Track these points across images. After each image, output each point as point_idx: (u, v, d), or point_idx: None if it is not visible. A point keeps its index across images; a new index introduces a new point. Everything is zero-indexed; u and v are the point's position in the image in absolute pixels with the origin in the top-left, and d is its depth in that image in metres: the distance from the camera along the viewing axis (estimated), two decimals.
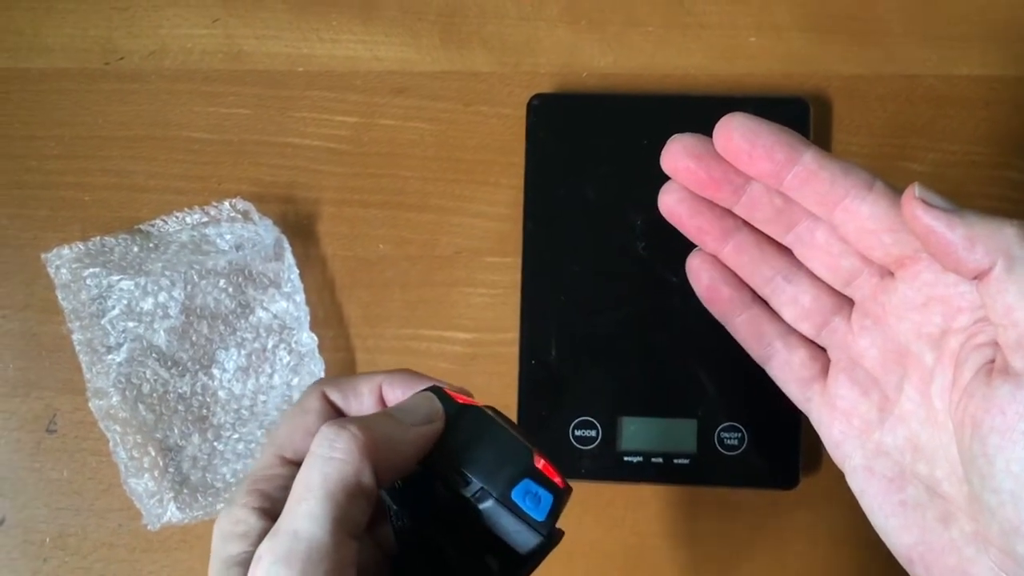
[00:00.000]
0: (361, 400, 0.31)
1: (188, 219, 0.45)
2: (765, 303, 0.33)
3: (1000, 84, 0.43)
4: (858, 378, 0.31)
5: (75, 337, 0.43)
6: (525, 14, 0.45)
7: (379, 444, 0.26)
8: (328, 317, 0.45)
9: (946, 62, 0.44)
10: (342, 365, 0.45)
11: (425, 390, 0.30)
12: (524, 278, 0.43)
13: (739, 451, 0.42)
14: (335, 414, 0.30)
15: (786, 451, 0.42)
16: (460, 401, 0.30)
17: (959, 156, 0.43)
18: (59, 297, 0.44)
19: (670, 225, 0.42)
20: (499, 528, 0.28)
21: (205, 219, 0.45)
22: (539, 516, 0.28)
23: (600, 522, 0.44)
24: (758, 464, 0.42)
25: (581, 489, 0.44)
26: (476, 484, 0.28)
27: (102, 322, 0.43)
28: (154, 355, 0.43)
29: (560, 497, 0.29)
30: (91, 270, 0.43)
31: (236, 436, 0.44)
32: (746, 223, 0.32)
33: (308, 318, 0.44)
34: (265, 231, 0.44)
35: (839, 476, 0.43)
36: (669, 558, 0.44)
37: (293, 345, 0.44)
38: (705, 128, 0.42)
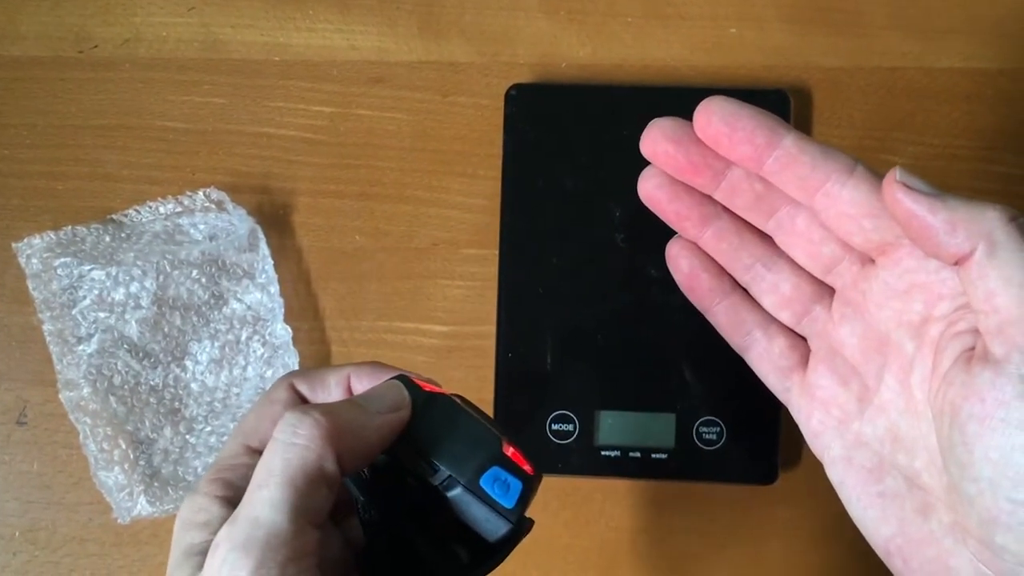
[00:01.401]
0: (328, 391, 0.30)
1: (161, 209, 0.44)
2: (745, 291, 0.32)
3: (982, 77, 0.43)
4: (838, 368, 0.30)
5: (46, 328, 0.43)
6: (504, 4, 0.45)
7: (343, 431, 0.26)
8: (303, 309, 0.44)
9: (928, 55, 0.43)
10: (317, 357, 0.44)
11: (392, 378, 0.29)
12: (501, 270, 0.43)
13: (718, 446, 0.42)
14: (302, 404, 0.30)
15: (765, 446, 0.42)
16: (427, 390, 0.29)
17: (940, 149, 0.43)
18: (30, 287, 0.43)
19: (649, 217, 0.41)
20: (468, 516, 0.27)
21: (179, 209, 0.44)
22: (508, 503, 0.27)
23: (577, 517, 0.43)
24: (737, 459, 0.42)
25: (558, 484, 0.43)
26: (444, 472, 0.27)
27: (73, 312, 0.43)
28: (125, 346, 0.43)
29: (529, 484, 0.28)
30: (62, 260, 0.43)
31: (208, 429, 0.43)
32: (726, 209, 0.31)
33: (282, 310, 0.43)
34: (239, 221, 0.43)
35: (818, 472, 0.43)
36: (646, 553, 0.43)
37: (267, 337, 0.43)
38: (684, 118, 0.42)
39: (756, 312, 0.32)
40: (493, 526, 0.27)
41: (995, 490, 0.25)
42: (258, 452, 0.28)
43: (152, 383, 0.43)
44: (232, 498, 0.27)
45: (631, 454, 0.42)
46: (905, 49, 0.44)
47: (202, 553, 0.25)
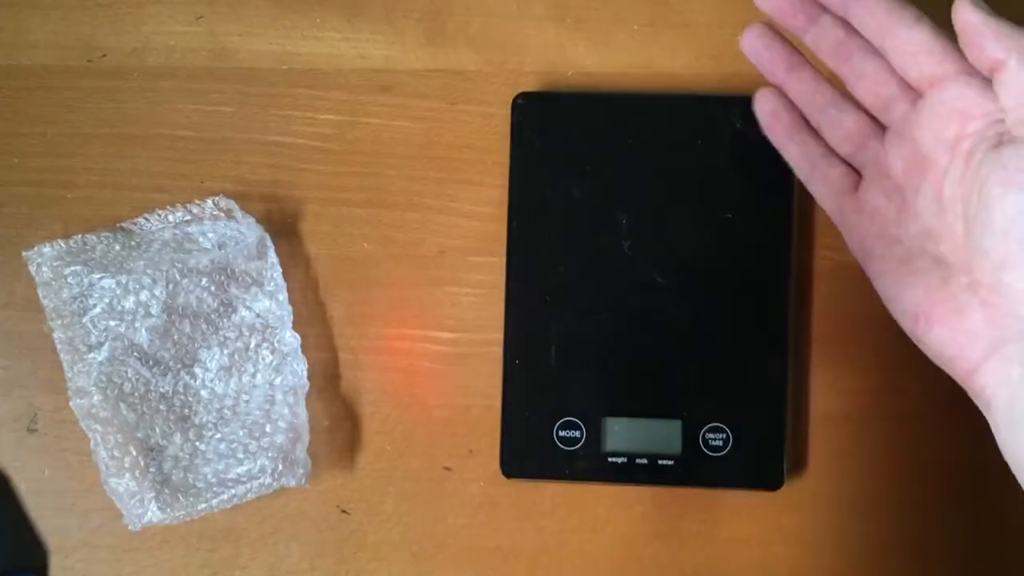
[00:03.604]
0: None
1: (171, 217, 0.44)
2: (815, 132, 0.40)
3: None
4: (885, 187, 0.38)
5: (56, 336, 0.43)
6: (511, 12, 0.45)
7: None
8: (311, 316, 0.44)
9: None
10: (325, 365, 0.44)
11: None
12: (509, 277, 0.43)
13: (724, 452, 0.42)
14: None
15: (771, 453, 0.42)
16: None
17: None
18: (40, 295, 0.43)
19: (656, 225, 0.42)
20: None
21: (188, 217, 0.44)
22: None
23: (585, 523, 0.44)
24: (743, 465, 0.42)
25: (565, 490, 0.44)
26: None
27: (83, 320, 0.43)
28: (136, 354, 0.43)
29: None
30: (72, 268, 0.43)
31: (218, 436, 0.43)
32: (808, 64, 0.39)
33: (291, 317, 0.44)
34: (248, 229, 0.43)
35: (824, 478, 0.43)
36: (653, 559, 0.43)
37: (276, 344, 0.44)
38: (691, 128, 0.42)
39: (821, 146, 0.40)
40: None
41: (1007, 236, 0.32)
42: None
43: (162, 390, 0.43)
44: None
45: (638, 460, 0.42)
46: None
47: None
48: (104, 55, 0.46)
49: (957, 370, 0.35)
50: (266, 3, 0.45)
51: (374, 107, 0.45)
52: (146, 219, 0.44)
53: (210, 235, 0.44)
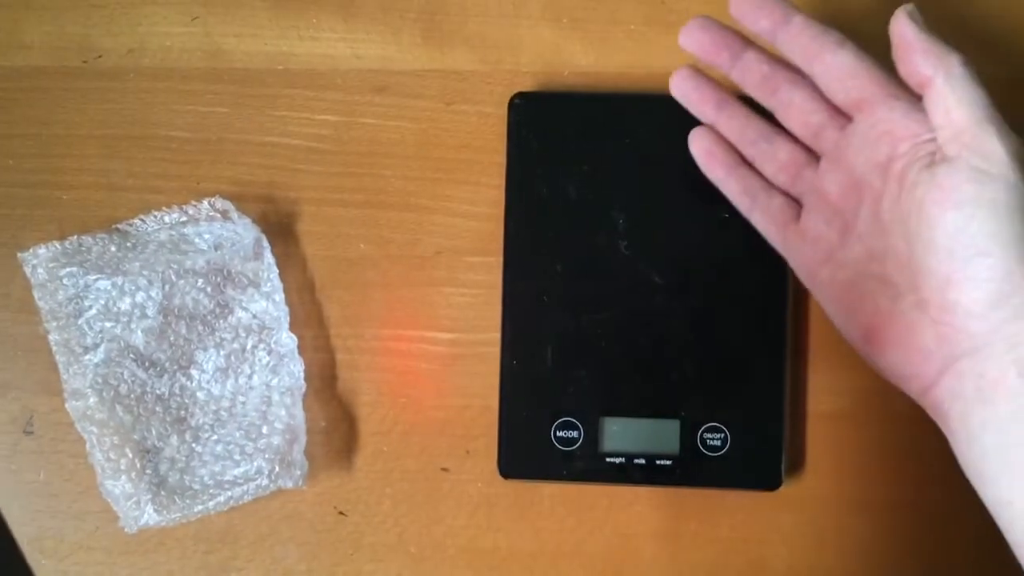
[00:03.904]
0: None
1: (167, 218, 0.44)
2: (751, 166, 0.40)
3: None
4: (824, 213, 0.38)
5: (52, 337, 0.43)
6: (507, 12, 0.45)
7: None
8: (308, 317, 0.44)
9: None
10: (322, 365, 0.44)
11: None
12: (506, 278, 0.43)
13: (722, 452, 0.42)
14: None
15: (769, 453, 0.42)
16: None
17: None
18: (36, 297, 0.43)
19: (653, 225, 0.42)
20: None
21: (184, 218, 0.44)
22: None
23: (583, 523, 0.44)
24: (741, 465, 0.42)
25: (563, 491, 0.44)
26: None
27: (79, 322, 0.43)
28: (131, 356, 0.43)
29: None
30: (68, 269, 0.43)
31: (215, 438, 0.43)
32: (736, 100, 0.40)
33: (288, 318, 0.43)
34: (244, 230, 0.43)
35: (822, 478, 0.43)
36: (652, 560, 0.43)
37: (272, 345, 0.44)
38: (688, 128, 0.42)
39: (759, 179, 0.40)
40: None
41: (950, 255, 0.33)
42: None
43: (158, 392, 0.43)
44: None
45: (636, 461, 0.42)
46: None
47: None
48: (99, 56, 0.46)
49: (912, 389, 0.36)
50: (262, 3, 0.45)
51: (370, 107, 0.45)
52: (142, 220, 0.44)
53: (206, 236, 0.44)
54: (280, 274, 0.44)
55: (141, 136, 0.45)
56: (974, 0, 0.44)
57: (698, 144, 0.41)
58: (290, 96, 0.45)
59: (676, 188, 0.43)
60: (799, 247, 0.39)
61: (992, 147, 0.32)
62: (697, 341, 0.42)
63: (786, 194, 0.40)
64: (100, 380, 0.42)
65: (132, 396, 0.43)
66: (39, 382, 0.44)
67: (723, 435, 0.42)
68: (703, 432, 0.42)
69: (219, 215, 0.44)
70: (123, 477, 0.42)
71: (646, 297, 0.42)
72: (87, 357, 0.43)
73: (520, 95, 0.43)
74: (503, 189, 0.43)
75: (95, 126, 0.45)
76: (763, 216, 0.40)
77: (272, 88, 0.45)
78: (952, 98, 0.33)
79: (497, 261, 0.43)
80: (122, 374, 0.43)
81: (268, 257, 0.44)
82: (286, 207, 0.45)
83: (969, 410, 0.33)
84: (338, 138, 0.45)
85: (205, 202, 0.44)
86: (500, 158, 0.43)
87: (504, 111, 0.43)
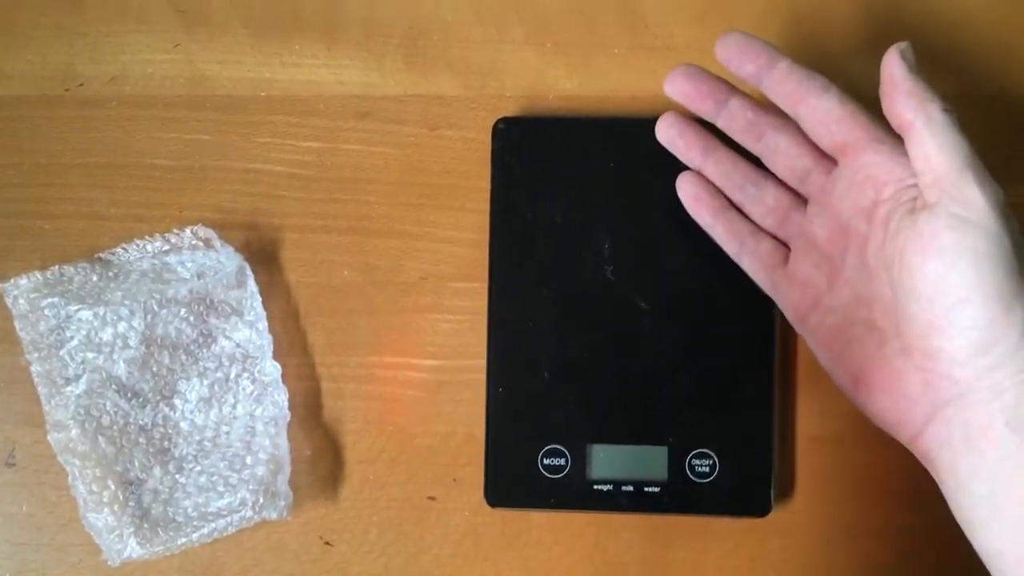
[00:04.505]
0: None
1: (149, 247, 0.44)
2: (738, 209, 0.40)
3: (965, 102, 0.43)
4: (812, 257, 0.38)
5: (33, 368, 0.43)
6: (490, 37, 0.45)
7: None
8: (292, 345, 0.44)
9: None
10: (306, 394, 0.44)
11: None
12: (491, 304, 0.43)
13: (710, 479, 0.42)
14: None
15: (758, 479, 0.42)
16: None
17: None
18: (17, 328, 0.43)
19: (638, 249, 0.42)
20: None
21: (166, 247, 0.44)
22: None
23: (571, 551, 0.43)
24: (730, 492, 0.42)
25: (550, 518, 0.43)
26: None
27: (61, 353, 0.43)
28: (114, 386, 0.43)
29: None
30: (49, 300, 0.43)
31: (198, 468, 0.43)
32: (722, 145, 0.40)
33: (271, 347, 0.43)
34: (227, 259, 0.43)
35: (812, 503, 0.43)
36: None
37: (256, 374, 0.43)
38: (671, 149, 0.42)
39: (747, 223, 0.40)
40: None
41: (932, 302, 0.32)
42: None
43: (141, 423, 0.43)
44: None
45: (624, 488, 0.42)
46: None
47: None
48: (81, 84, 0.45)
49: (901, 435, 0.36)
50: (244, 30, 0.45)
51: (353, 133, 0.45)
52: (124, 249, 0.44)
53: (189, 264, 0.44)
54: (264, 302, 0.43)
55: (123, 164, 0.45)
56: (927, 17, 0.44)
57: (685, 189, 0.41)
58: (273, 123, 0.45)
59: (662, 212, 0.42)
60: (788, 291, 0.39)
61: (972, 194, 0.32)
62: (684, 366, 0.42)
63: (774, 237, 0.40)
64: (82, 411, 0.42)
65: (115, 427, 0.42)
66: (21, 413, 0.44)
67: (711, 461, 0.42)
68: (691, 458, 0.42)
69: (202, 243, 0.44)
70: (106, 509, 0.41)
71: (633, 322, 0.42)
72: (69, 388, 0.42)
73: (504, 120, 0.43)
74: (488, 214, 0.43)
75: (77, 154, 0.45)
76: (751, 260, 0.40)
77: (255, 115, 0.45)
78: (932, 143, 0.33)
79: (482, 287, 0.43)
80: (104, 405, 0.42)
81: (251, 285, 0.43)
82: (269, 234, 0.44)
83: (957, 458, 0.33)
84: (321, 164, 0.45)
85: (188, 230, 0.44)
86: (484, 183, 0.43)
87: (488, 136, 0.43)
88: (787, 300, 0.39)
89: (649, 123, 0.43)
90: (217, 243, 0.43)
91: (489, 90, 0.44)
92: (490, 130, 0.43)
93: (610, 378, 0.42)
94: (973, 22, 0.44)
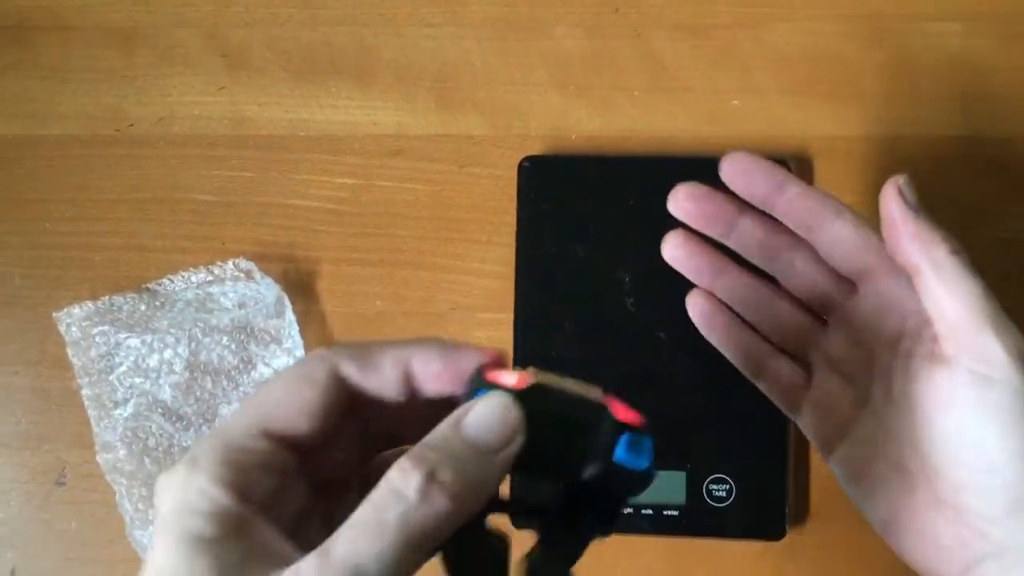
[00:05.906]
0: (382, 375, 0.27)
1: (193, 278, 0.46)
2: (753, 328, 0.38)
3: (979, 145, 0.44)
4: (835, 378, 0.36)
5: (84, 392, 0.45)
6: (516, 79, 0.47)
7: (467, 492, 0.24)
8: None
9: (926, 123, 0.45)
10: None
11: (486, 388, 0.27)
12: (516, 334, 0.45)
13: (727, 503, 0.43)
14: (344, 394, 0.26)
15: (773, 503, 0.43)
16: (513, 388, 0.27)
17: (941, 216, 0.44)
18: (69, 354, 0.45)
19: (658, 282, 0.44)
20: (607, 492, 0.27)
21: (210, 278, 0.46)
22: (644, 463, 0.27)
23: (591, 572, 0.44)
24: (746, 516, 0.43)
25: None
26: (574, 469, 0.26)
27: (110, 378, 0.45)
28: (159, 410, 0.45)
29: (651, 435, 0.27)
30: (100, 328, 0.45)
31: None
32: (733, 263, 0.38)
33: None
34: (267, 289, 0.45)
35: (827, 527, 0.44)
36: None
37: None
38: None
39: (764, 344, 0.38)
40: (635, 488, 0.27)
41: (957, 460, 0.30)
42: (278, 439, 0.25)
43: (185, 445, 0.45)
44: (242, 489, 0.24)
45: (643, 511, 0.43)
46: (904, 117, 0.45)
47: (208, 543, 0.23)
48: (131, 124, 0.48)
49: None
50: (283, 73, 0.48)
51: (386, 171, 0.47)
52: (170, 280, 0.46)
53: (231, 295, 0.46)
54: (301, 331, 0.46)
55: (170, 200, 0.48)
56: (908, 56, 0.45)
57: (695, 309, 0.39)
58: (310, 161, 0.47)
59: None
60: (813, 414, 0.36)
61: (991, 349, 0.30)
62: (702, 394, 0.44)
63: (793, 357, 0.37)
64: (129, 433, 0.44)
65: (160, 449, 0.45)
66: (72, 435, 0.46)
67: (728, 486, 0.43)
68: (709, 483, 0.43)
69: (243, 275, 0.46)
70: (151, 527, 0.43)
71: (652, 353, 0.44)
72: (117, 411, 0.45)
73: (529, 158, 0.45)
74: (514, 248, 0.45)
75: (126, 191, 0.48)
76: (772, 383, 0.37)
77: (293, 153, 0.47)
78: (942, 291, 0.31)
79: (508, 317, 0.45)
80: (150, 427, 0.45)
81: (289, 315, 0.45)
82: (306, 266, 0.47)
83: None
84: (356, 200, 0.47)
85: (230, 263, 0.46)
86: (510, 218, 0.45)
87: (514, 173, 0.45)
88: (812, 427, 0.36)
89: (667, 162, 0.45)
90: (257, 275, 0.45)
91: (515, 130, 0.47)
92: (516, 168, 0.45)
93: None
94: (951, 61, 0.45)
